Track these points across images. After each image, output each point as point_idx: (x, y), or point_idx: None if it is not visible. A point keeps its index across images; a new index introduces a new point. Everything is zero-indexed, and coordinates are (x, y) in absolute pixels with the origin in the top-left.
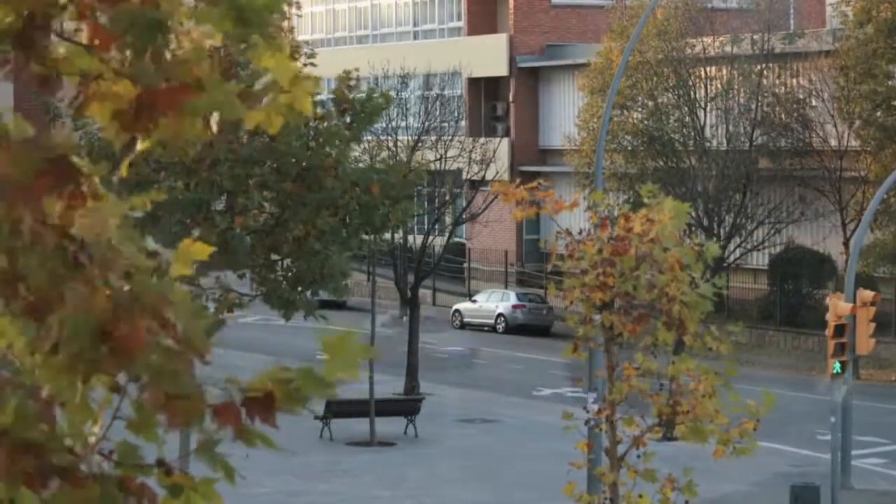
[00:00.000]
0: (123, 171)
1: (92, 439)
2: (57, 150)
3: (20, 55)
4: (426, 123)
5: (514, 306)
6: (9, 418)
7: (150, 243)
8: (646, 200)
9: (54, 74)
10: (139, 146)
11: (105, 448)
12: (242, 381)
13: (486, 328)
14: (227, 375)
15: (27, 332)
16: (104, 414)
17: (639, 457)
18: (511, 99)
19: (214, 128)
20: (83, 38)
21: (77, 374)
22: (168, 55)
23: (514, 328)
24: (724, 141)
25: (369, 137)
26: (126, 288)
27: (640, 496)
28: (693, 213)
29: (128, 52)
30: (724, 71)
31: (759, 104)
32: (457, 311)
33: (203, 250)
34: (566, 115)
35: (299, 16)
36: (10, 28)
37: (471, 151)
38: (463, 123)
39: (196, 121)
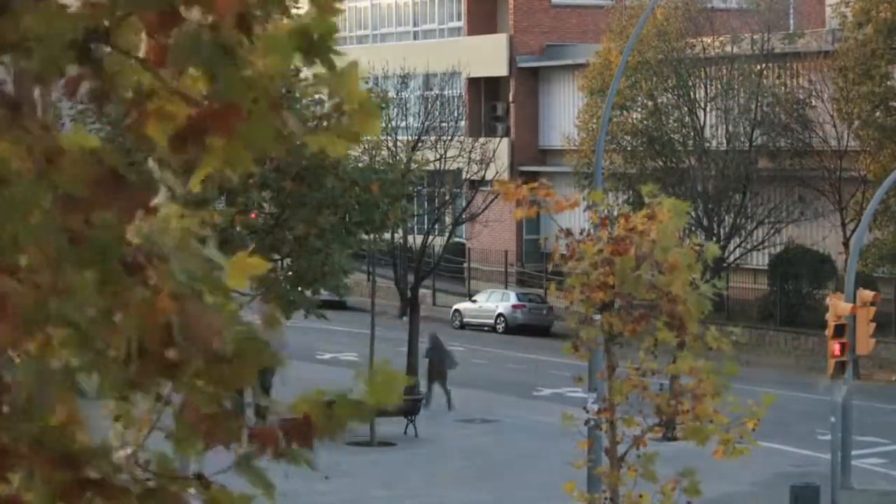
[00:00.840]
0: (193, 186)
1: (129, 450)
2: (108, 162)
3: (77, 67)
4: (426, 123)
5: (514, 306)
6: (43, 430)
7: (214, 254)
8: (646, 200)
9: (107, 88)
10: (200, 167)
11: (142, 459)
12: (281, 404)
13: (486, 328)
14: (269, 397)
15: (85, 347)
16: (148, 424)
17: (639, 457)
18: (511, 99)
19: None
20: (140, 52)
21: (126, 386)
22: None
23: (514, 328)
24: (724, 141)
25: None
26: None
27: (641, 496)
28: (693, 213)
29: (186, 72)
30: (724, 71)
31: (759, 104)
32: (457, 311)
33: (259, 265)
34: (566, 115)
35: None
36: (70, 40)
37: (471, 151)
38: (463, 123)
39: (249, 146)
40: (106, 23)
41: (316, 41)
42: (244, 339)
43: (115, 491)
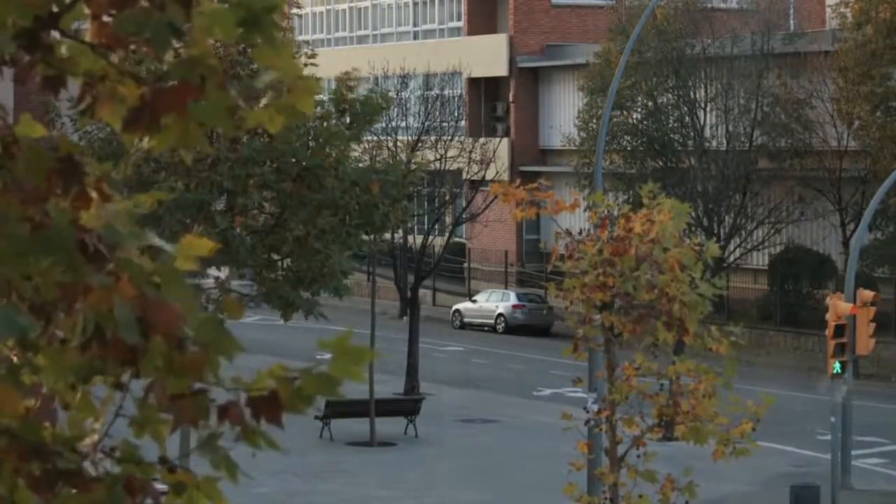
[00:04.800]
0: (125, 170)
1: (94, 437)
2: (62, 150)
3: (27, 55)
4: (426, 123)
5: (514, 306)
6: (14, 420)
7: (154, 239)
8: (645, 201)
9: (60, 75)
10: (143, 146)
11: (106, 446)
12: (245, 380)
13: (486, 328)
14: (232, 374)
15: (33, 330)
16: (106, 411)
17: (639, 457)
18: (511, 99)
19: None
20: (89, 37)
21: (84, 372)
22: (172, 56)
23: (514, 328)
24: (724, 141)
25: (369, 137)
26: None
27: (640, 496)
28: (693, 213)
29: (134, 53)
30: (724, 71)
31: (759, 104)
32: (457, 311)
33: (205, 245)
34: (566, 115)
35: (299, 16)
36: (17, 27)
37: (471, 151)
38: (463, 123)
39: (201, 123)
40: (55, 9)
41: (257, 15)
42: (205, 326)
43: (85, 482)
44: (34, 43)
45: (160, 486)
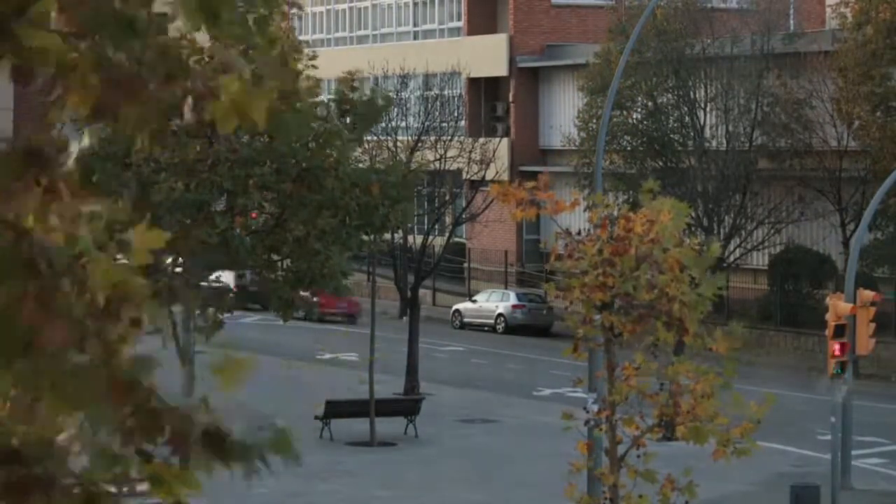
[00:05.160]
0: (86, 143)
1: (71, 432)
2: (33, 143)
3: None
4: (426, 123)
5: (514, 306)
6: None
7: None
8: (645, 201)
9: (29, 66)
10: (85, 139)
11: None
12: (198, 415)
13: (486, 328)
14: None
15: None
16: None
17: (639, 457)
18: (511, 99)
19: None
20: (60, 26)
21: (41, 381)
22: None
23: (514, 328)
24: (724, 141)
25: (369, 138)
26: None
27: (640, 496)
28: (693, 213)
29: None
30: (724, 71)
31: (759, 104)
32: (457, 311)
33: (158, 237)
34: (566, 115)
35: (299, 16)
36: None
37: (471, 151)
38: (463, 123)
39: (161, 110)
40: None
41: (214, 3)
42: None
43: (60, 491)
44: (2, 33)
45: (140, 487)
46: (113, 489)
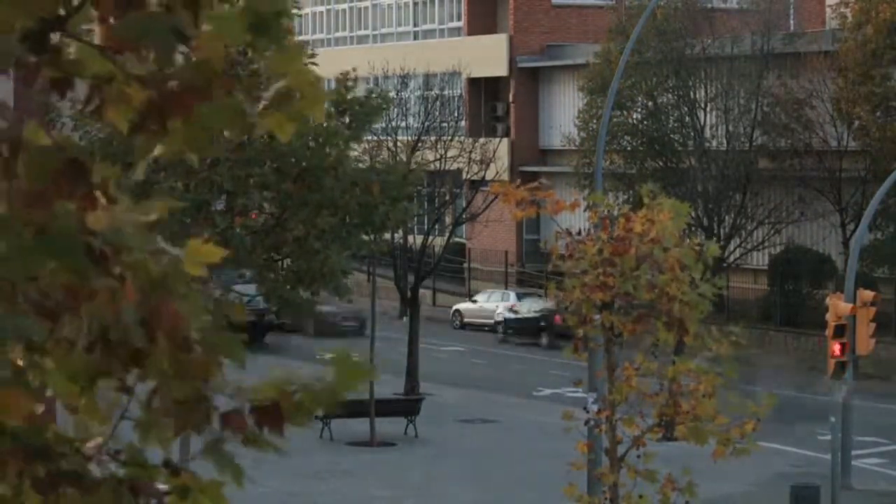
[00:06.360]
0: (139, 173)
1: (99, 440)
2: (69, 152)
3: (33, 57)
4: (426, 123)
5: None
6: (18, 422)
7: (161, 242)
8: (645, 200)
9: (67, 77)
10: (153, 151)
11: (112, 448)
12: (249, 389)
13: (486, 328)
14: (235, 383)
15: (37, 333)
16: (111, 414)
17: (639, 457)
18: (511, 99)
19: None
20: (97, 39)
21: (91, 375)
22: (181, 59)
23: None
24: (724, 141)
25: (369, 137)
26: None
27: (640, 496)
28: (693, 213)
29: (143, 56)
30: (724, 71)
31: (759, 104)
32: (457, 311)
33: (213, 252)
34: (566, 115)
35: (299, 16)
36: (25, 30)
37: (471, 151)
38: (463, 123)
39: (208, 127)
40: (62, 11)
41: (266, 20)
42: (210, 330)
43: (88, 484)
44: (41, 45)
45: (161, 487)
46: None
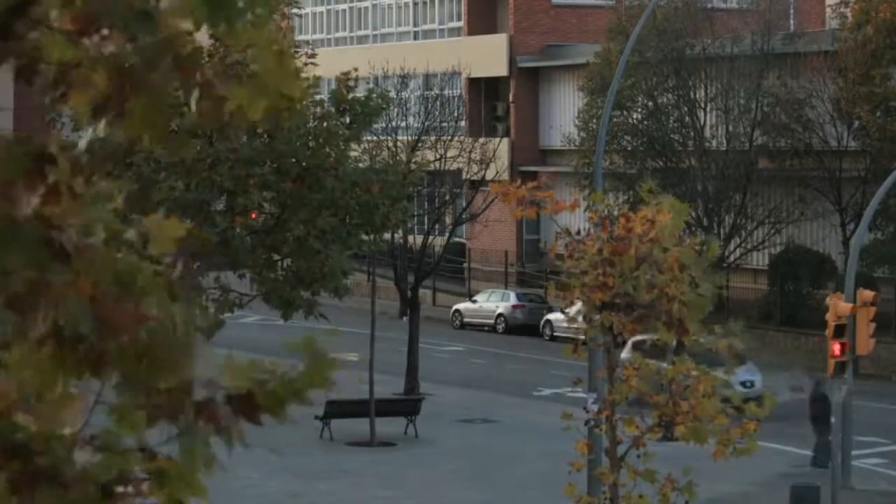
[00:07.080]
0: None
1: (74, 428)
2: (33, 148)
3: (1, 45)
4: (426, 123)
5: (514, 306)
6: None
7: (132, 234)
8: (645, 199)
9: (32, 64)
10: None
11: (87, 434)
12: (221, 379)
13: (486, 328)
14: (207, 374)
15: (5, 325)
16: (85, 400)
17: (639, 457)
18: (511, 99)
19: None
20: (62, 24)
21: (61, 367)
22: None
23: (514, 328)
24: (724, 141)
25: (369, 137)
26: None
27: (640, 496)
28: (693, 213)
29: (107, 38)
30: (724, 71)
31: (759, 104)
32: (457, 311)
33: (175, 227)
34: (566, 115)
35: (299, 16)
36: None
37: (471, 151)
38: (463, 123)
39: (164, 107)
40: None
41: None
42: (159, 334)
43: (66, 482)
44: (5, 32)
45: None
46: (120, 487)
